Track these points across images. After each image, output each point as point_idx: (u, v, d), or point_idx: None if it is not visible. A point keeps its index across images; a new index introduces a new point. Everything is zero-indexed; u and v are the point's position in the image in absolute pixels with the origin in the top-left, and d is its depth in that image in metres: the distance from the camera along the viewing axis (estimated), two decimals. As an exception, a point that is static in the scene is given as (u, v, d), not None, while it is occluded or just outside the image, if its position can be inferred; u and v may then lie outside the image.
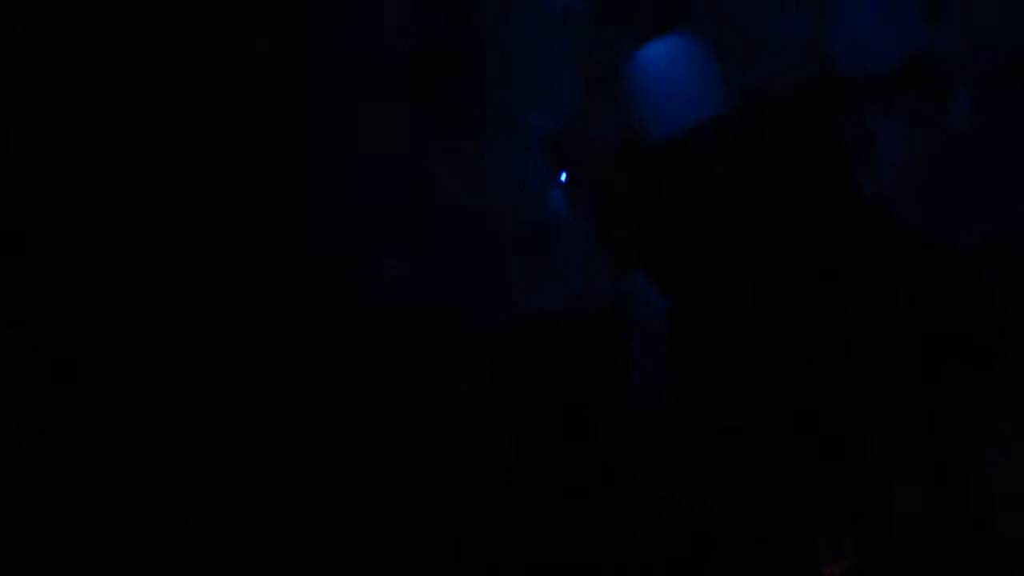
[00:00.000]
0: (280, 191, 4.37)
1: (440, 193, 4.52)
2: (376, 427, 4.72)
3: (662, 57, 4.29)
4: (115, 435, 4.46)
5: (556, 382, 2.47)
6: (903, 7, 4.38)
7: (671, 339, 3.72)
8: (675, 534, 2.36)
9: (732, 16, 4.18)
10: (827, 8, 4.32)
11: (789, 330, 3.54)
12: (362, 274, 4.67)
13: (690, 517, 2.41)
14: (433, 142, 4.41)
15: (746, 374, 3.60)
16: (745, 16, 4.17)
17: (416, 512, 4.23)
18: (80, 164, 4.24)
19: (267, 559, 4.28)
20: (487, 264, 4.71)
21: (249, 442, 4.53)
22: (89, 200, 4.27)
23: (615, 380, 2.56)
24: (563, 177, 4.81)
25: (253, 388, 4.69)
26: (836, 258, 3.55)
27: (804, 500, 3.43)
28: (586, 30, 4.16)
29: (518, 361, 2.53)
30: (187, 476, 4.44)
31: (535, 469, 2.43)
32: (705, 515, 3.27)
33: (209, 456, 4.50)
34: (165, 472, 4.43)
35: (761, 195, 3.58)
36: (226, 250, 4.50)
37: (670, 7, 4.13)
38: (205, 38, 4.10)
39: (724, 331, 3.62)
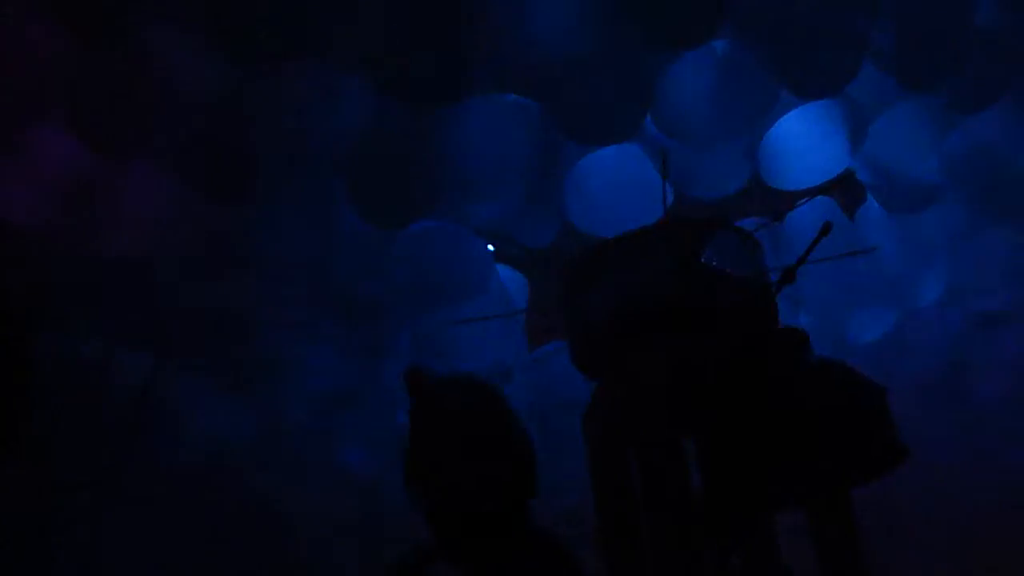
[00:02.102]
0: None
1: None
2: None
3: (606, 163, 4.47)
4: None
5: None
6: (831, 132, 4.60)
7: (590, 418, 3.88)
8: None
9: (679, 131, 4.34)
10: (762, 129, 4.51)
11: (705, 425, 3.72)
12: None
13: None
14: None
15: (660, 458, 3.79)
16: (691, 132, 4.34)
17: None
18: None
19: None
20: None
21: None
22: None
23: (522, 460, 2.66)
24: (490, 248, 4.97)
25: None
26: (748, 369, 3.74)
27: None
28: (537, 129, 4.27)
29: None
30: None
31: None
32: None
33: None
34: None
35: (685, 299, 3.77)
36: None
37: (622, 119, 4.27)
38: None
39: (641, 415, 3.80)
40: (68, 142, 4.15)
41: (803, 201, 4.93)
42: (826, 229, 3.59)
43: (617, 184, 4.49)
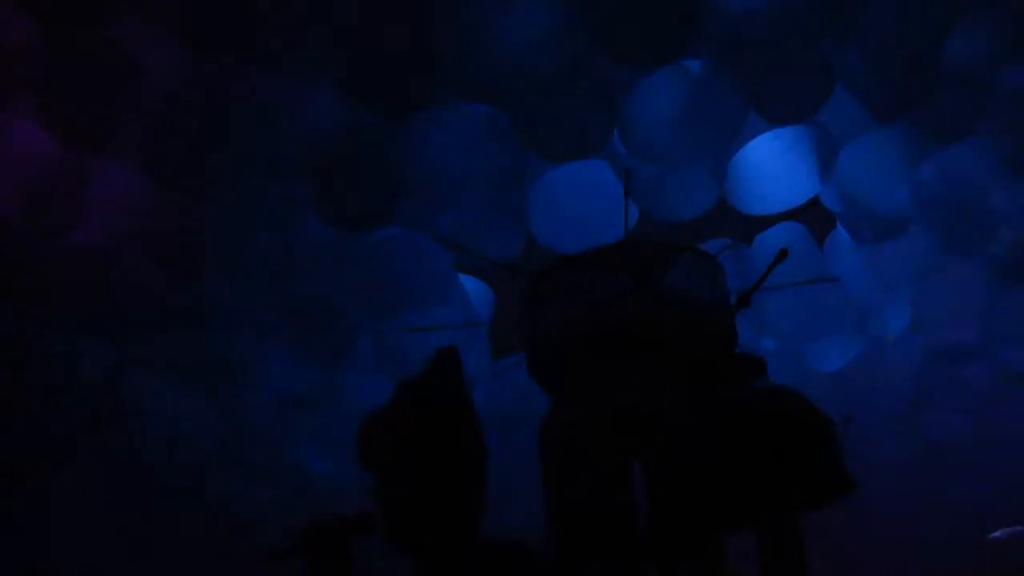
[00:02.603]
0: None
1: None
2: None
3: (572, 178, 4.46)
4: None
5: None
6: (800, 158, 4.60)
7: (545, 432, 3.86)
8: None
9: (645, 150, 4.33)
10: (729, 154, 4.50)
11: (655, 446, 3.71)
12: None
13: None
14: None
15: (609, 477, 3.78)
16: (657, 151, 4.33)
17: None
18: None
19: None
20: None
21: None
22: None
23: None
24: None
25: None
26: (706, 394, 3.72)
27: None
28: (504, 141, 4.26)
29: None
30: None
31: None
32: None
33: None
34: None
35: (641, 319, 3.75)
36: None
37: (589, 136, 4.27)
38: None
39: (592, 433, 3.78)
40: (36, 133, 4.13)
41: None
42: (781, 256, 3.59)
43: (582, 200, 4.48)
